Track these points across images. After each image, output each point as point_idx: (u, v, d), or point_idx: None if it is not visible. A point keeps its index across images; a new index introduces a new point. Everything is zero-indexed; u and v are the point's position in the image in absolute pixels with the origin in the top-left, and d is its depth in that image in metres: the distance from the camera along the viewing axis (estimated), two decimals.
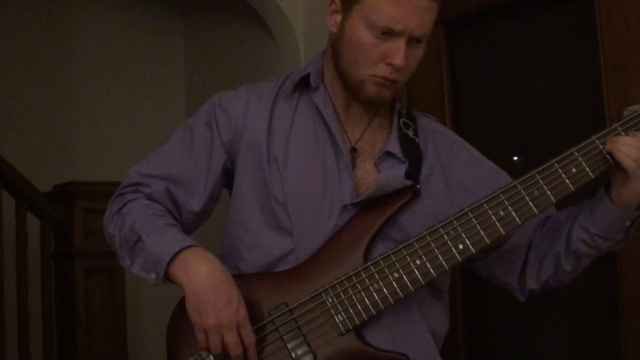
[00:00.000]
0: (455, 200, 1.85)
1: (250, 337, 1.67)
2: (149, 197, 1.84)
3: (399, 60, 1.70)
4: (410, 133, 1.87)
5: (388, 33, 1.70)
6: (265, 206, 1.81)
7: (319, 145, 1.82)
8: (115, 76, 4.96)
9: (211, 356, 1.70)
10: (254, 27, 4.30)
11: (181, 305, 1.75)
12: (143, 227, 1.75)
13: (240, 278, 1.73)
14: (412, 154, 1.84)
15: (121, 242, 1.80)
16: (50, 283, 3.87)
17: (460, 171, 1.90)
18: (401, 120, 1.87)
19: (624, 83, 2.50)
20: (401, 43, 1.70)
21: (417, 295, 1.79)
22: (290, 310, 1.73)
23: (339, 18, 1.79)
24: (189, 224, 1.89)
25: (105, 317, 3.83)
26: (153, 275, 1.71)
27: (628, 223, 1.76)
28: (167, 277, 1.71)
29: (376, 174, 1.81)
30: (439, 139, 1.93)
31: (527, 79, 3.01)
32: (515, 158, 3.04)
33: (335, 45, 1.80)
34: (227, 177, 1.89)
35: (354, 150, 1.83)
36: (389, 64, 1.72)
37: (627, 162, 1.68)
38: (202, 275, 1.66)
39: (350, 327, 1.71)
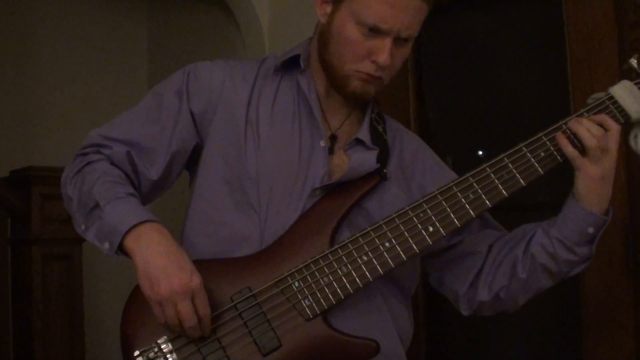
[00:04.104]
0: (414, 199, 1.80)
1: (204, 308, 1.58)
2: (110, 159, 1.77)
3: (383, 58, 1.69)
4: (380, 129, 1.85)
5: (375, 31, 1.68)
6: (235, 182, 1.75)
7: (297, 128, 1.79)
8: (76, 60, 4.85)
9: (169, 343, 1.62)
10: (218, 12, 4.25)
11: (136, 291, 1.67)
12: (102, 193, 1.67)
13: (200, 263, 1.64)
14: (381, 145, 1.81)
15: (78, 206, 1.72)
16: (7, 269, 3.77)
17: (423, 174, 1.88)
18: (372, 115, 1.85)
19: (589, 77, 2.49)
20: (387, 42, 1.68)
21: (386, 298, 1.76)
22: (254, 295, 1.65)
23: (328, 9, 1.76)
24: (147, 193, 1.82)
25: (63, 304, 3.75)
26: (107, 245, 1.63)
27: (591, 230, 1.71)
28: (121, 249, 1.63)
29: (349, 161, 1.78)
30: (406, 140, 1.92)
31: (493, 72, 3.00)
32: (480, 153, 3.03)
33: (323, 37, 1.77)
34: (193, 151, 1.83)
35: (334, 138, 1.81)
36: (373, 61, 1.70)
37: (569, 150, 1.69)
38: (152, 245, 1.59)
39: (318, 312, 1.64)
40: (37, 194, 3.73)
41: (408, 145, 1.92)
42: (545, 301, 2.67)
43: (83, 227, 1.72)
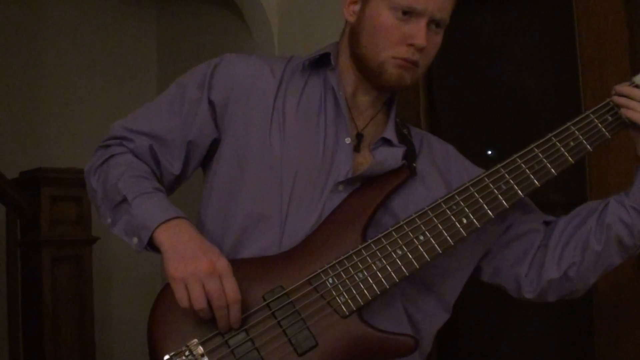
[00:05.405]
0: None
1: (233, 292, 1.55)
2: (133, 153, 1.77)
3: (420, 40, 1.68)
4: (405, 132, 1.85)
5: (409, 13, 1.69)
6: (257, 170, 1.73)
7: (323, 124, 1.78)
8: (85, 62, 4.84)
9: (200, 346, 1.56)
10: (227, 14, 4.24)
11: (163, 293, 1.63)
12: (128, 188, 1.67)
13: (230, 263, 1.60)
14: (407, 145, 1.81)
15: (103, 199, 1.72)
16: (16, 271, 3.74)
17: (456, 173, 1.87)
18: (397, 120, 1.84)
19: (600, 75, 2.48)
20: (422, 24, 1.69)
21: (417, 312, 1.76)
22: (286, 294, 1.61)
23: (357, 7, 1.77)
24: (168, 187, 1.82)
25: (72, 306, 3.74)
26: (135, 240, 1.64)
27: None
28: (150, 244, 1.63)
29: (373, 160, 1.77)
30: (434, 143, 1.92)
31: (503, 71, 2.99)
32: (489, 152, 3.03)
33: (354, 33, 1.77)
34: (210, 146, 1.82)
35: (360, 136, 1.79)
36: (410, 45, 1.70)
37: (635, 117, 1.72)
38: (181, 234, 1.60)
39: (354, 309, 1.60)
40: (46, 196, 3.72)
41: (437, 147, 1.91)
42: (556, 302, 2.67)
43: (109, 220, 1.72)
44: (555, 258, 1.79)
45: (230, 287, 1.55)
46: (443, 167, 1.87)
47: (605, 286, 2.42)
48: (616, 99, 1.76)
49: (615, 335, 2.42)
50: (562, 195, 2.61)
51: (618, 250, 1.75)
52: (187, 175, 1.85)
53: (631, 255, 1.77)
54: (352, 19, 1.79)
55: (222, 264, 1.56)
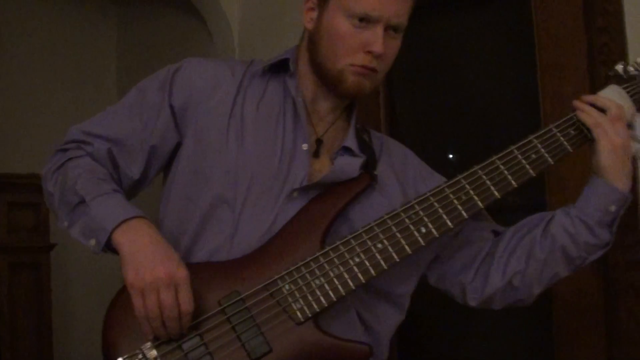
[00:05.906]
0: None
1: (187, 304, 1.54)
2: (91, 157, 1.74)
3: (377, 47, 1.67)
4: (366, 138, 1.84)
5: (366, 20, 1.68)
6: (212, 175, 1.72)
7: (281, 130, 1.77)
8: (44, 66, 4.77)
9: (154, 350, 1.56)
10: (188, 18, 4.24)
11: (119, 297, 1.62)
12: (86, 189, 1.64)
13: (188, 267, 1.59)
14: (367, 153, 1.80)
15: (60, 202, 1.69)
16: None
17: (414, 180, 1.87)
18: (357, 126, 1.84)
19: (559, 80, 2.51)
20: (379, 30, 1.68)
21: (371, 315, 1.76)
22: (242, 299, 1.60)
23: (314, 14, 1.76)
24: (127, 190, 1.78)
25: (30, 313, 3.72)
26: (93, 242, 1.61)
27: (613, 208, 1.72)
28: (108, 246, 1.60)
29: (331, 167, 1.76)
30: (393, 148, 1.91)
31: (462, 76, 3.01)
32: (450, 156, 3.05)
33: (312, 41, 1.77)
34: (172, 151, 1.80)
35: (319, 142, 1.78)
36: (368, 52, 1.69)
37: (590, 119, 1.74)
38: (141, 237, 1.58)
39: (309, 315, 1.60)
40: (3, 202, 3.70)
41: (395, 153, 1.91)
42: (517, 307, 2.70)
43: (66, 223, 1.69)
44: (500, 267, 1.81)
45: (185, 299, 1.55)
46: (401, 173, 1.87)
47: (564, 289, 2.45)
48: (575, 102, 1.78)
49: (575, 338, 2.44)
50: (521, 197, 2.64)
51: (563, 259, 1.77)
52: (147, 180, 1.83)
53: (578, 267, 1.78)
54: (310, 26, 1.78)
55: (181, 274, 1.55)
